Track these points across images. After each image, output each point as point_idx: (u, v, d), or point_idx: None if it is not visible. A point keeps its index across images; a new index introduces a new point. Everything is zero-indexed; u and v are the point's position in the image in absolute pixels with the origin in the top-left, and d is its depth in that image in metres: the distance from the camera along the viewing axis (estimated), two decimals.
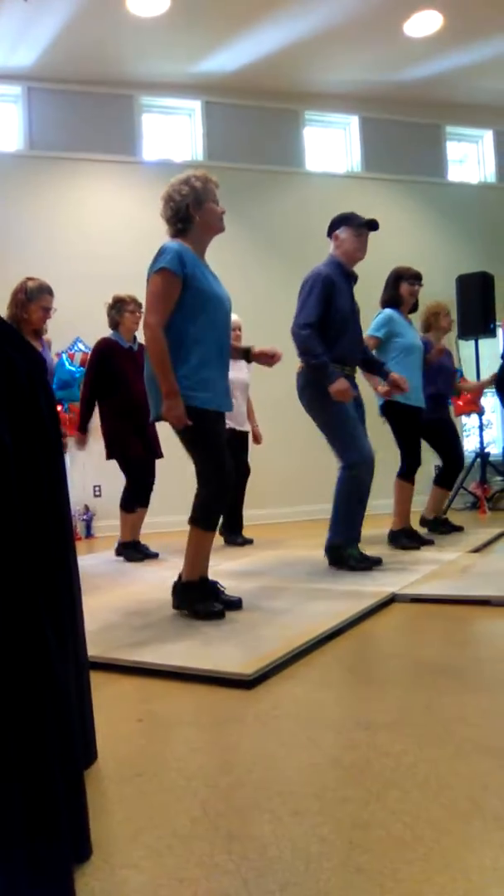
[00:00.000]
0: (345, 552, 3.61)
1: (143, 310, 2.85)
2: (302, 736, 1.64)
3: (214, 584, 2.83)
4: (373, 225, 3.75)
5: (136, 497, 4.44)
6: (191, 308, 2.71)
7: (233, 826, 1.24)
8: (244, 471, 5.09)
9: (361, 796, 1.32)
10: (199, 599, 2.71)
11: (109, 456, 4.40)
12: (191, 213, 2.78)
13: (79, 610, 1.47)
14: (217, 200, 2.85)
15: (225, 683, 1.99)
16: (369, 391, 4.33)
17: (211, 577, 2.85)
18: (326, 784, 1.38)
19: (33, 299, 3.87)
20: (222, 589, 2.83)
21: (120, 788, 1.41)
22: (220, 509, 2.79)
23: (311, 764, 1.48)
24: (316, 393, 3.61)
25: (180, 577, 2.79)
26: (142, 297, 2.93)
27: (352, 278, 3.83)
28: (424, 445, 4.71)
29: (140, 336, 4.41)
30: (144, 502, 4.51)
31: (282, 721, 1.74)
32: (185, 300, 2.71)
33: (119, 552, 4.53)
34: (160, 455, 4.47)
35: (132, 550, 4.46)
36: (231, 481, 2.78)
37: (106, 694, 1.94)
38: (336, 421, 3.63)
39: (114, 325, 4.48)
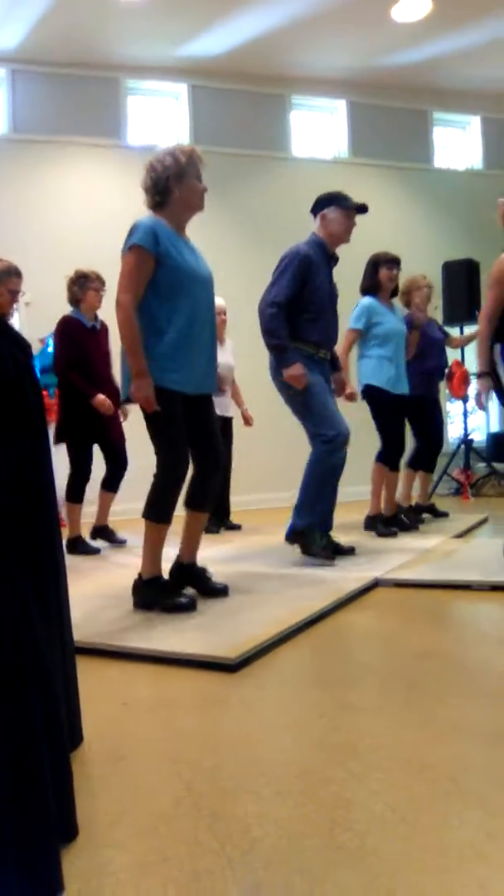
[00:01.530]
0: (309, 538, 3.50)
1: (115, 288, 2.69)
2: (286, 718, 1.66)
3: (203, 570, 2.82)
4: (363, 209, 3.70)
5: (81, 487, 4.24)
6: (166, 286, 2.61)
7: (217, 806, 1.25)
8: (225, 459, 5.09)
9: (344, 777, 1.34)
10: (164, 594, 2.62)
11: (58, 440, 4.15)
12: (170, 185, 2.67)
13: (64, 594, 1.48)
14: (200, 177, 2.75)
15: (209, 667, 2.00)
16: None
17: (198, 562, 2.85)
18: (309, 766, 1.40)
19: (0, 282, 3.69)
20: (210, 575, 2.83)
21: (105, 771, 1.42)
22: (173, 500, 2.66)
23: (294, 746, 1.50)
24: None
25: (140, 575, 2.69)
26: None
27: (332, 260, 3.75)
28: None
29: (102, 315, 4.35)
30: (114, 488, 4.40)
31: (266, 704, 1.76)
32: (159, 278, 2.61)
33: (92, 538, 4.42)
34: (121, 440, 4.32)
35: (83, 544, 4.26)
36: (184, 473, 2.68)
37: (91, 679, 1.95)
38: (308, 398, 3.53)
39: (74, 301, 4.26)
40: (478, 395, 3.43)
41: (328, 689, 1.84)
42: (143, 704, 1.80)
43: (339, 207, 3.69)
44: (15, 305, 3.90)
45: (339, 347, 4.25)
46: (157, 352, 2.60)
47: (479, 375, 3.38)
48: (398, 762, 1.39)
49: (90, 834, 1.17)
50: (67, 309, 4.31)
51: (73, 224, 6.58)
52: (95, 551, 4.19)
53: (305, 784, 1.32)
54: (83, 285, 4.23)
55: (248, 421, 5.20)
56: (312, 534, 3.51)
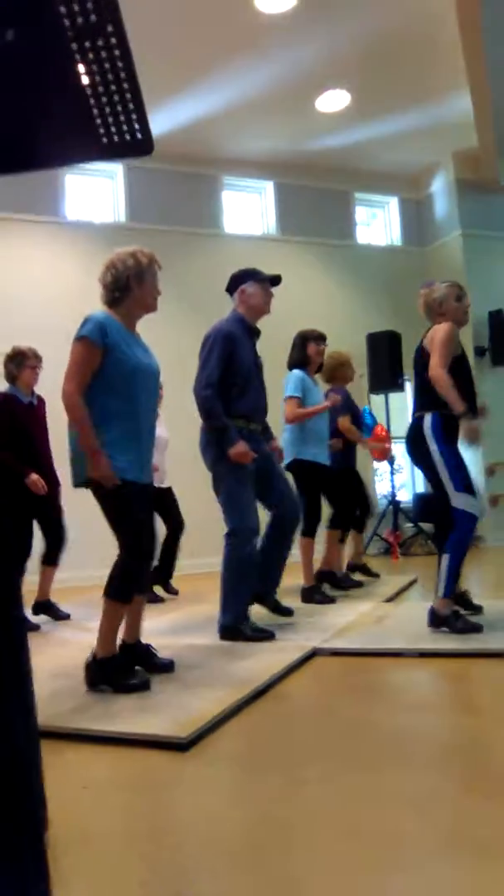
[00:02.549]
0: (238, 629, 3.52)
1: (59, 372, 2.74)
2: (236, 794, 1.79)
3: (147, 647, 2.90)
4: (277, 280, 3.83)
5: (22, 563, 4.27)
6: (110, 378, 2.72)
7: (181, 886, 1.38)
8: (178, 525, 5.23)
9: (294, 849, 1.48)
10: (119, 674, 2.67)
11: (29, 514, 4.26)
12: (130, 284, 2.80)
13: (29, 680, 1.57)
14: (156, 281, 2.90)
15: (162, 746, 2.12)
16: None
17: (144, 636, 2.94)
18: (261, 838, 1.53)
19: None
20: (155, 651, 2.91)
21: (72, 857, 1.52)
22: (138, 581, 2.76)
23: (245, 821, 1.63)
24: (218, 453, 3.60)
25: (94, 654, 2.71)
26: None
27: (254, 333, 3.85)
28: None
29: (39, 391, 4.44)
30: (55, 561, 4.44)
31: (217, 780, 1.89)
32: (105, 370, 2.71)
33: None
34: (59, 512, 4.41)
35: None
36: (152, 551, 2.79)
37: (49, 761, 2.03)
38: (231, 484, 3.60)
39: (10, 378, 4.32)
40: (473, 439, 3.41)
41: (273, 763, 1.98)
42: (101, 787, 1.90)
43: (255, 281, 3.80)
44: None
45: (287, 416, 4.50)
46: (108, 443, 2.68)
47: (461, 417, 3.36)
48: (341, 833, 1.54)
49: None
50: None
51: (8, 299, 6.71)
52: (35, 627, 4.16)
53: (258, 858, 1.46)
54: (20, 363, 4.30)
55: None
56: (241, 628, 3.53)
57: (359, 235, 8.79)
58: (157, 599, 5.08)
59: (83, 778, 1.95)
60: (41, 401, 4.45)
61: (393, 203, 9.07)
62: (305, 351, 4.77)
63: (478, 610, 3.70)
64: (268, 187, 8.31)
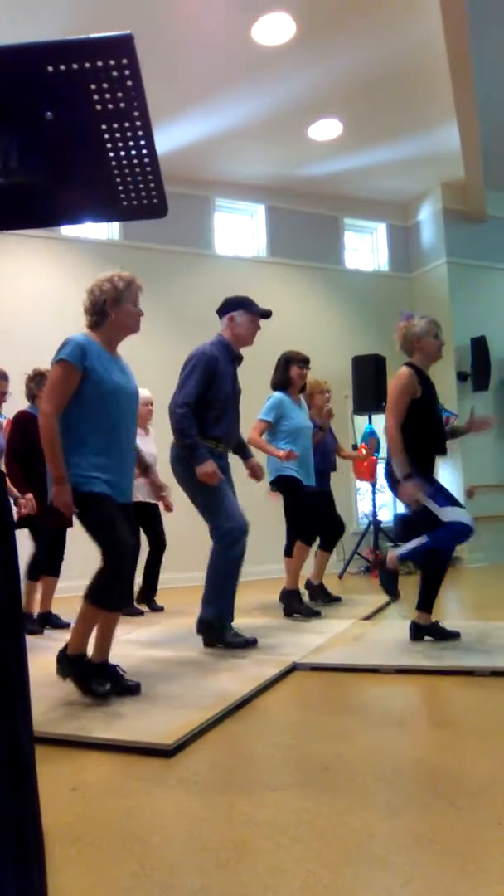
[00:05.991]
0: (219, 628, 3.62)
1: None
2: (219, 798, 1.90)
3: (114, 667, 2.89)
4: (268, 314, 3.93)
5: (40, 566, 4.51)
6: (89, 400, 2.77)
7: (167, 879, 1.48)
8: (160, 543, 5.31)
9: (273, 848, 1.59)
10: (86, 676, 2.77)
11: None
12: (107, 309, 2.86)
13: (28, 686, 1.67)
14: (137, 302, 2.94)
15: (148, 753, 2.22)
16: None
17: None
18: (243, 839, 1.65)
19: None
20: (122, 673, 2.89)
21: (65, 851, 1.62)
22: (120, 590, 2.80)
23: (228, 822, 1.74)
24: (187, 467, 3.67)
25: (66, 647, 2.82)
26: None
27: (236, 360, 3.92)
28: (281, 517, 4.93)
29: None
30: (56, 572, 4.61)
31: (201, 785, 1.99)
32: (84, 392, 2.77)
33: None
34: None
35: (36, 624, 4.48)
36: (134, 562, 2.86)
37: (38, 765, 2.13)
38: (208, 491, 3.66)
39: (31, 397, 4.54)
40: (408, 502, 3.51)
41: (254, 770, 2.09)
42: (90, 789, 2.00)
43: (246, 312, 3.87)
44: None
45: (250, 437, 4.60)
46: (77, 459, 2.75)
47: (404, 479, 3.45)
48: (316, 833, 1.66)
49: None
50: None
51: (7, 314, 6.82)
52: (65, 625, 4.46)
53: (240, 855, 1.57)
54: (40, 382, 4.45)
55: (168, 508, 5.42)
56: (221, 626, 3.64)
57: (347, 260, 8.98)
58: (137, 612, 5.17)
59: (72, 781, 2.05)
60: None
61: (381, 229, 9.28)
62: (288, 373, 4.87)
63: (455, 636, 3.68)
64: (259, 210, 8.48)
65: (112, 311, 2.87)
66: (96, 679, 2.78)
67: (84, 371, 2.76)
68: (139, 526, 5.21)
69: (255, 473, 4.12)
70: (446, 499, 3.50)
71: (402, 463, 3.48)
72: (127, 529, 2.81)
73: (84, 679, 2.78)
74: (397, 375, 3.64)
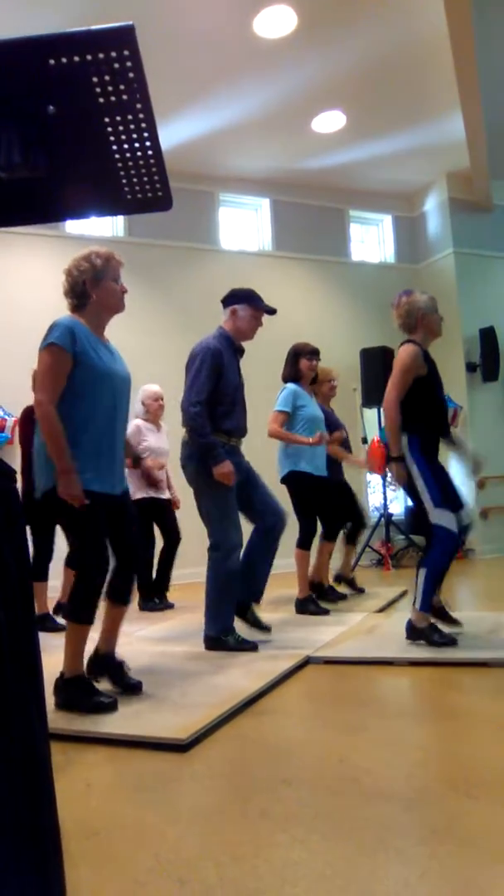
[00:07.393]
0: (222, 640, 3.58)
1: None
2: (233, 793, 1.90)
3: (120, 663, 2.84)
4: (272, 311, 3.88)
5: (44, 566, 4.49)
6: (81, 386, 2.64)
7: (183, 873, 1.48)
8: (175, 537, 5.32)
9: (288, 841, 1.59)
10: (85, 695, 2.61)
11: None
12: (87, 289, 2.73)
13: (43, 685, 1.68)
14: (118, 279, 2.81)
15: (163, 748, 2.22)
16: (266, 455, 4.69)
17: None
18: (259, 832, 1.64)
19: None
20: (127, 669, 2.84)
21: (81, 845, 1.63)
22: (96, 600, 2.64)
23: (243, 816, 1.74)
24: (199, 467, 3.60)
25: (62, 674, 2.66)
26: None
27: (239, 352, 3.89)
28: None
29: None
30: (43, 576, 4.53)
31: (215, 780, 1.99)
32: (75, 377, 2.63)
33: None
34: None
35: (52, 621, 4.45)
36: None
37: (53, 761, 2.13)
38: (214, 498, 3.62)
39: None
40: (393, 479, 3.55)
41: (268, 764, 2.09)
42: (105, 783, 2.00)
43: (250, 306, 3.83)
44: None
45: (270, 429, 4.63)
46: (74, 452, 2.60)
47: (394, 460, 3.48)
48: (332, 826, 1.65)
49: None
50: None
51: (11, 311, 6.83)
52: (62, 628, 4.28)
53: (257, 848, 1.57)
54: None
55: (176, 504, 5.42)
56: (226, 639, 3.59)
57: (353, 252, 8.94)
58: (154, 608, 5.19)
59: (87, 776, 2.05)
60: None
61: (387, 221, 9.23)
62: (298, 366, 4.89)
63: (456, 624, 3.67)
64: (264, 204, 8.45)
65: (93, 290, 2.74)
66: (95, 693, 2.63)
67: (74, 356, 2.63)
68: (151, 521, 5.23)
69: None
70: (441, 498, 3.42)
71: (395, 443, 3.45)
72: (105, 545, 2.68)
73: (84, 700, 2.60)
74: (403, 350, 3.53)
